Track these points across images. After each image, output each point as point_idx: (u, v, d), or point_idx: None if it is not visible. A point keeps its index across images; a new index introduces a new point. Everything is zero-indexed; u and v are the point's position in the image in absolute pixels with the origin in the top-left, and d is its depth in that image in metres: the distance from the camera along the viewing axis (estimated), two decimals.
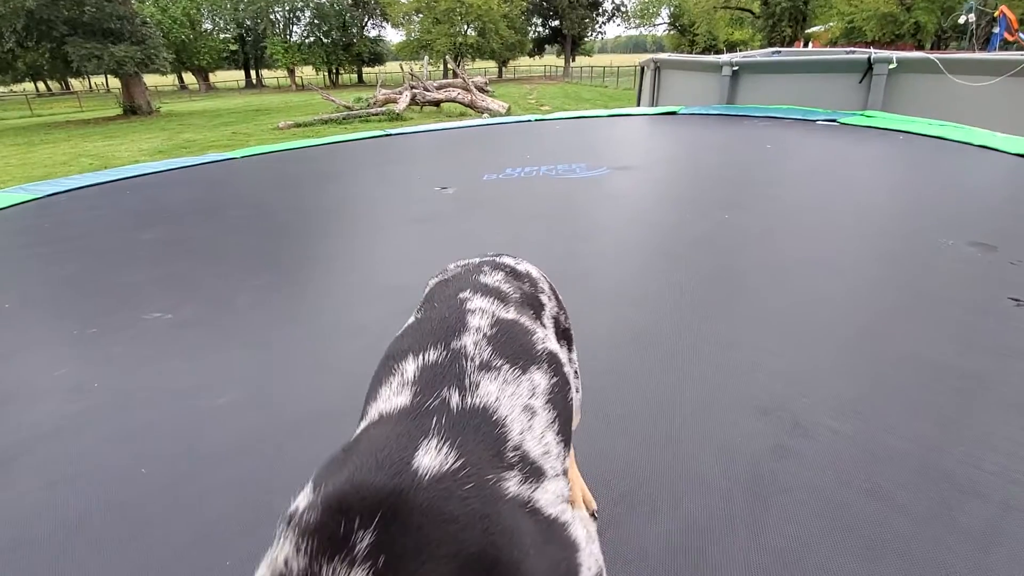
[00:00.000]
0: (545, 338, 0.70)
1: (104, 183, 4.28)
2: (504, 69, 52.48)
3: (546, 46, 54.07)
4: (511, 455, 0.52)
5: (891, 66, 6.16)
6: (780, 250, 2.37)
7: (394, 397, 0.57)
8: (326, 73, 46.24)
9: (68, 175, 5.76)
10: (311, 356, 1.70)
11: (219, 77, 43.61)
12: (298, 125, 19.14)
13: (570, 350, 0.85)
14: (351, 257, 2.67)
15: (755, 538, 0.96)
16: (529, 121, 6.64)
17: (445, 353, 0.61)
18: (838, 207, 2.95)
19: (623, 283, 2.16)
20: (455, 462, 0.47)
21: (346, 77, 49.07)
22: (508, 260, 0.86)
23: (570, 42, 48.57)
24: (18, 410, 1.47)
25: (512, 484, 0.49)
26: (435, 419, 0.52)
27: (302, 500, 0.45)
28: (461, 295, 0.72)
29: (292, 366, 1.65)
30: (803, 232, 2.59)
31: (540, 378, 0.63)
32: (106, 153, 11.27)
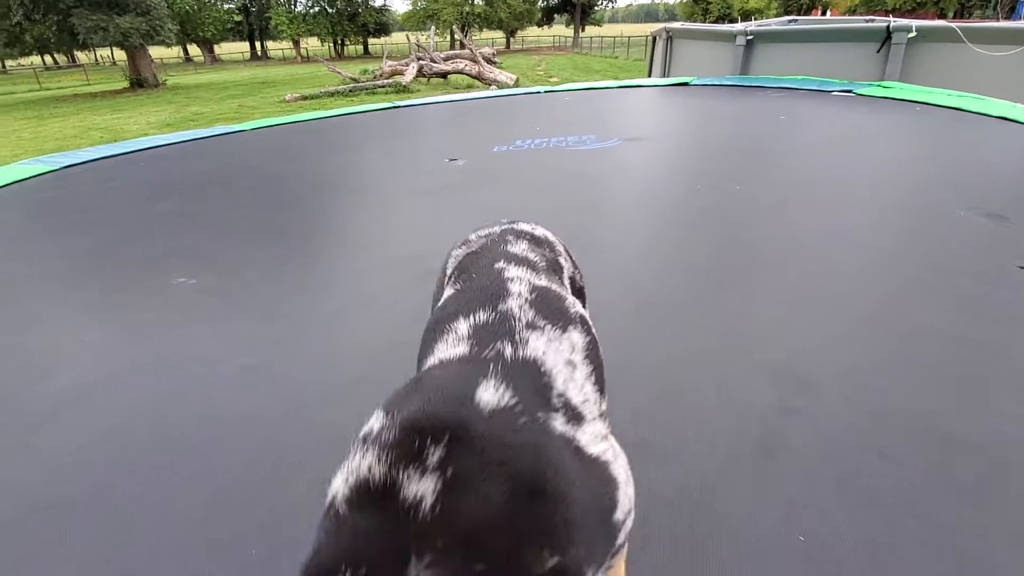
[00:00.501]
0: (575, 303, 0.78)
1: (118, 155, 4.30)
2: (512, 40, 51.46)
3: (555, 16, 52.80)
4: (556, 401, 0.59)
5: (910, 35, 6.00)
6: (792, 221, 2.37)
7: (452, 348, 0.64)
8: (331, 44, 45.56)
9: (80, 148, 5.79)
10: (327, 322, 1.75)
11: (224, 49, 43.16)
12: (304, 98, 18.98)
13: (583, 307, 0.90)
14: (363, 228, 2.69)
15: (759, 488, 1.00)
16: (539, 93, 6.56)
17: (494, 315, 0.68)
18: (852, 179, 2.93)
19: (635, 253, 2.18)
20: (510, 400, 0.54)
21: (351, 48, 48.37)
22: (525, 227, 0.93)
23: (580, 11, 47.37)
24: (50, 373, 1.53)
25: (558, 424, 0.56)
26: (492, 365, 0.59)
27: (376, 423, 0.52)
28: (497, 265, 0.79)
29: (309, 330, 1.71)
30: (816, 204, 2.58)
31: (577, 337, 0.70)
32: (115, 126, 11.27)
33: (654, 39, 9.27)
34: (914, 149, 3.59)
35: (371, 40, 48.49)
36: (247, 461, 1.15)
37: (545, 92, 6.58)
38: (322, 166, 3.84)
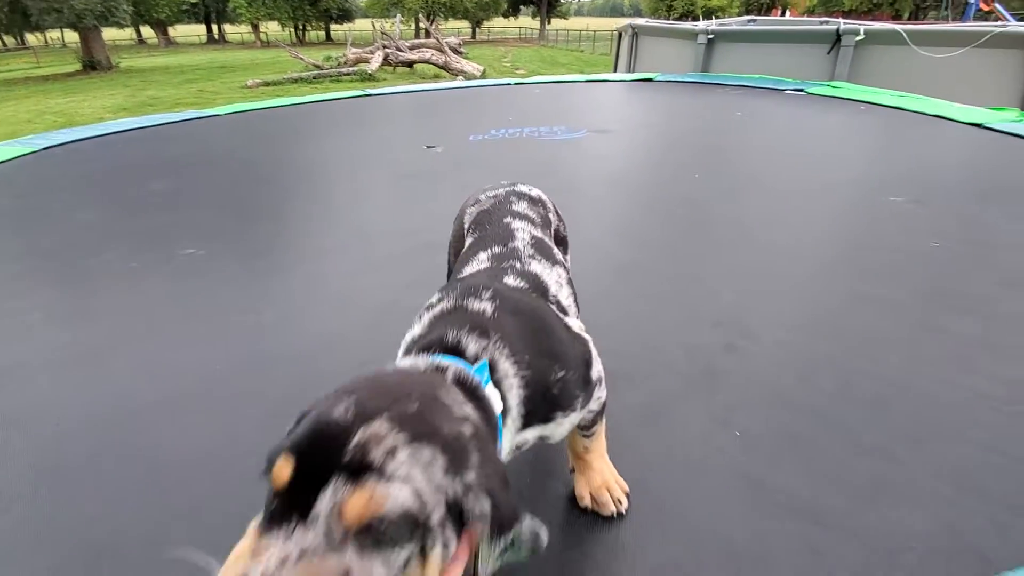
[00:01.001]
0: (559, 252, 1.06)
1: (92, 137, 4.28)
2: (478, 30, 51.12)
3: (521, 7, 52.63)
4: (551, 298, 0.88)
5: (859, 38, 6.40)
6: (745, 207, 2.64)
7: (478, 266, 0.93)
8: (292, 29, 44.33)
9: (34, 133, 5.67)
10: (331, 286, 1.94)
11: (179, 31, 41.45)
12: (267, 84, 18.55)
13: (565, 252, 1.22)
14: (355, 206, 2.84)
15: (705, 406, 1.25)
16: (508, 84, 6.73)
17: (506, 249, 0.95)
18: (799, 171, 3.23)
19: (606, 229, 2.41)
20: (524, 286, 0.85)
21: (313, 34, 47.21)
22: (524, 188, 1.18)
23: (545, 4, 47.41)
24: (86, 323, 1.65)
25: (554, 307, 0.86)
26: (508, 270, 0.88)
27: (433, 299, 0.81)
28: (505, 220, 1.04)
29: (320, 289, 1.91)
30: (766, 192, 2.86)
31: (561, 271, 0.97)
32: (69, 110, 10.88)
33: (619, 35, 9.54)
34: (855, 144, 3.94)
35: (333, 26, 47.39)
36: (289, 386, 1.34)
37: (515, 84, 6.75)
38: (303, 150, 3.93)
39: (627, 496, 0.99)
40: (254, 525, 0.48)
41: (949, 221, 2.37)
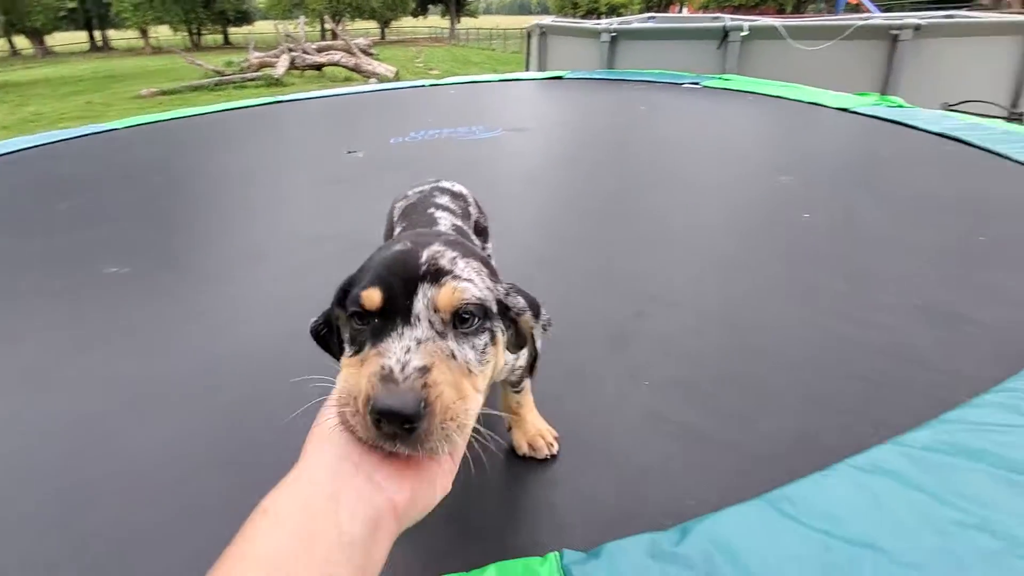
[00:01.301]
0: (478, 242, 1.22)
1: None
2: (387, 30, 50.13)
3: (429, 6, 52.14)
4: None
5: (743, 34, 7.00)
6: (651, 193, 2.92)
7: None
8: (186, 33, 41.59)
9: None
10: (269, 289, 1.99)
11: (57, 40, 37.78)
12: (164, 93, 17.45)
13: (485, 241, 1.36)
14: (281, 213, 2.85)
15: (619, 359, 1.47)
16: (424, 86, 6.81)
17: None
18: (696, 157, 3.58)
19: (527, 223, 2.59)
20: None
21: (210, 38, 44.52)
22: (446, 184, 1.33)
23: (454, 3, 47.28)
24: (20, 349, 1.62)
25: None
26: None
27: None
28: (429, 211, 1.17)
29: (256, 297, 1.96)
30: (669, 178, 3.17)
31: (479, 259, 1.07)
32: None
33: (529, 34, 9.82)
34: (744, 130, 4.38)
35: (232, 29, 44.91)
36: (242, 384, 1.40)
37: (430, 85, 6.83)
38: (219, 160, 3.85)
39: (557, 441, 1.17)
40: (347, 359, 0.61)
41: (819, 194, 2.75)
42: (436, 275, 0.61)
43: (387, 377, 0.54)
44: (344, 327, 0.68)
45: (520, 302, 0.73)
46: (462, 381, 0.58)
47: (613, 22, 9.03)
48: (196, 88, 17.52)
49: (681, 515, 0.98)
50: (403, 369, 0.54)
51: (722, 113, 4.88)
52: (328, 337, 0.74)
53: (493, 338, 0.65)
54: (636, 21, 10.13)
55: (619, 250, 2.22)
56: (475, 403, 0.60)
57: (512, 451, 1.18)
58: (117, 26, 36.53)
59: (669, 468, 1.11)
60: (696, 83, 6.17)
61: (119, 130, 4.85)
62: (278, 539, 0.47)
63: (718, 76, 6.53)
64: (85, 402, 1.41)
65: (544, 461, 1.14)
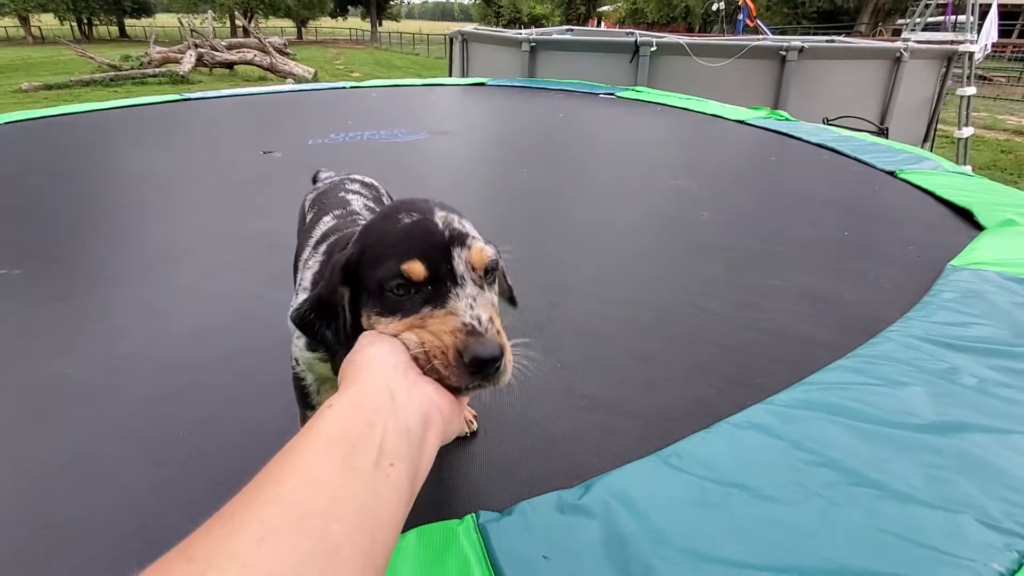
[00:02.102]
0: None
1: None
2: (304, 30, 48.46)
3: (349, 7, 50.93)
4: None
5: (652, 49, 7.46)
6: (564, 192, 3.10)
7: (324, 228, 1.06)
8: (75, 23, 38.18)
9: None
10: (187, 288, 1.93)
11: None
12: (48, 87, 16.03)
13: None
14: (195, 213, 2.74)
15: (536, 345, 1.53)
16: (344, 88, 6.71)
17: (345, 211, 1.12)
18: (608, 161, 3.81)
19: None
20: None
21: (103, 30, 41.13)
22: (357, 176, 1.40)
23: (375, 5, 46.48)
24: None
25: None
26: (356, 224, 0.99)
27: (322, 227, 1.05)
28: (340, 194, 1.22)
29: (173, 296, 1.88)
30: (583, 180, 3.36)
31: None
32: None
33: (451, 41, 9.91)
34: (653, 138, 4.70)
35: (129, 21, 41.73)
36: (163, 378, 1.37)
37: (351, 87, 6.75)
38: (123, 159, 3.63)
39: (475, 419, 1.26)
40: (395, 323, 0.68)
41: (715, 196, 3.03)
42: (460, 238, 0.69)
43: (473, 331, 0.64)
44: (364, 302, 0.72)
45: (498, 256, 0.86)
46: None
47: (533, 32, 9.31)
48: (88, 83, 16.16)
49: (586, 476, 1.09)
50: (480, 322, 0.65)
51: (633, 122, 5.20)
52: (315, 322, 0.76)
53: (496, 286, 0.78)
54: (556, 33, 10.49)
55: (535, 246, 2.34)
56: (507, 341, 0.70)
57: None
58: None
59: (577, 436, 1.23)
60: (611, 94, 6.50)
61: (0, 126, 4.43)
62: (344, 422, 0.53)
63: (631, 88, 6.91)
64: None
65: (464, 437, 1.22)
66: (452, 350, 0.63)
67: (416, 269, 0.65)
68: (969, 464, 1.06)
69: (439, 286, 0.66)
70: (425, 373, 0.64)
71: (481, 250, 0.70)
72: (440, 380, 0.65)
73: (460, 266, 0.67)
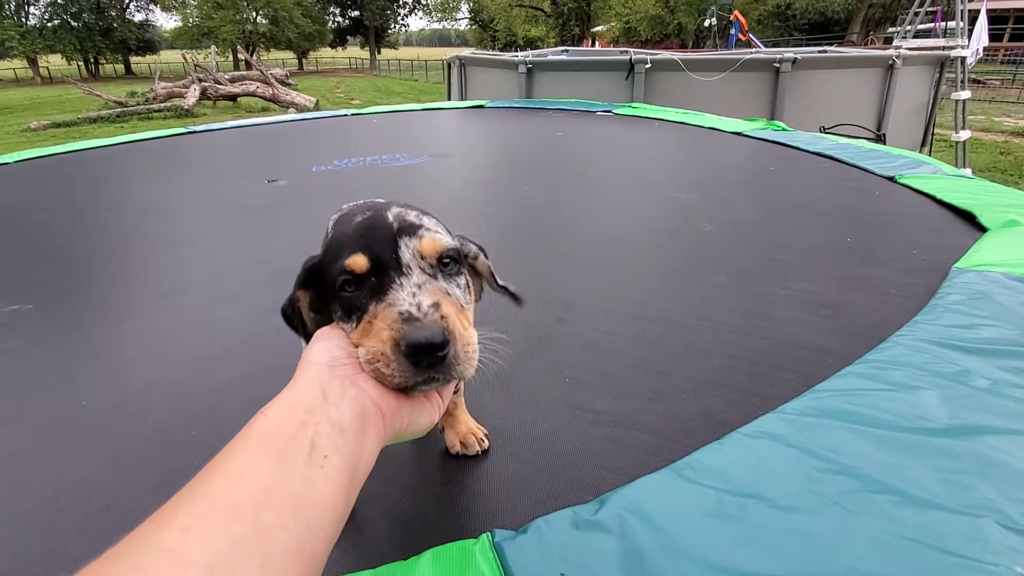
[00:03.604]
0: None
1: None
2: (305, 61, 49.40)
3: (348, 37, 51.93)
4: None
5: (647, 66, 7.57)
6: (566, 209, 3.11)
7: None
8: (82, 63, 39.06)
9: None
10: (195, 317, 1.95)
11: None
12: (56, 125, 16.35)
13: None
14: (201, 243, 2.77)
15: (542, 361, 1.58)
16: (345, 115, 6.82)
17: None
18: (608, 177, 3.84)
19: None
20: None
21: (109, 67, 42.03)
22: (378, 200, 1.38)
23: (373, 34, 47.39)
24: None
25: None
26: None
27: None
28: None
29: (182, 325, 1.90)
30: (584, 196, 3.38)
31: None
32: None
33: (449, 65, 10.08)
34: (651, 153, 4.74)
35: (134, 59, 42.64)
36: (173, 405, 1.38)
37: (352, 115, 6.86)
38: (130, 193, 3.69)
39: (487, 437, 1.26)
40: (353, 333, 0.65)
41: (717, 207, 3.05)
42: (410, 229, 0.68)
43: (409, 318, 0.60)
44: (327, 306, 0.72)
45: (473, 248, 0.86)
46: (461, 314, 0.66)
47: (529, 55, 9.46)
48: (95, 120, 16.48)
49: (600, 490, 1.08)
50: (419, 308, 0.61)
51: (632, 138, 5.25)
52: (294, 317, 0.79)
53: (467, 280, 0.75)
54: (551, 54, 10.67)
55: (539, 263, 2.36)
56: (474, 334, 0.67)
57: (445, 450, 1.25)
58: (1, 56, 33.67)
59: (588, 451, 1.22)
60: (608, 111, 6.58)
61: (8, 164, 4.52)
62: (277, 422, 0.54)
63: (627, 104, 6.99)
64: None
65: (476, 456, 1.22)
66: (390, 343, 0.59)
67: (358, 261, 0.64)
68: (987, 467, 1.05)
69: (383, 278, 0.64)
70: (370, 375, 0.62)
71: (433, 239, 0.68)
72: (381, 380, 0.61)
73: (407, 255, 0.66)
